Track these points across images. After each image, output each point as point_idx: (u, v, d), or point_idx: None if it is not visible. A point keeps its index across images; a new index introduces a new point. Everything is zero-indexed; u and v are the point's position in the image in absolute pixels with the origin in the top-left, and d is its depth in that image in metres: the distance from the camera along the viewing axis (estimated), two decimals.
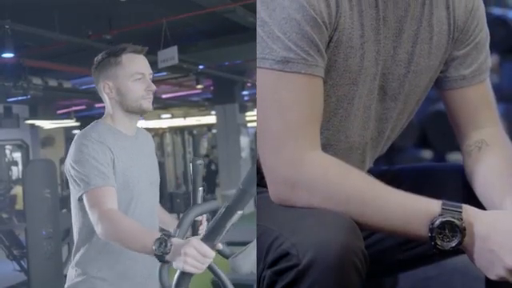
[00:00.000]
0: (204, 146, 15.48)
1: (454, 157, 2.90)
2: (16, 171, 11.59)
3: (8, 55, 5.85)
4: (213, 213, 1.56)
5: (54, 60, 7.38)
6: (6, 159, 11.95)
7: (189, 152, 13.40)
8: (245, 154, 10.37)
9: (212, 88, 10.78)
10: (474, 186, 1.15)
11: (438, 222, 0.97)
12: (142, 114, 1.71)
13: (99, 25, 6.06)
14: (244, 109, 10.84)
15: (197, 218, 1.54)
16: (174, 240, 1.26)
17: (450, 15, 1.16)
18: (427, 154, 3.13)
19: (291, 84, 1.02)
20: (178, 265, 1.22)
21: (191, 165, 1.55)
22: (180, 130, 13.74)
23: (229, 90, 10.22)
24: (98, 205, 1.51)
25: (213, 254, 1.22)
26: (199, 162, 1.54)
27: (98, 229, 1.48)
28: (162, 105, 12.56)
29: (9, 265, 5.45)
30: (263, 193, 1.10)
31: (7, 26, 5.14)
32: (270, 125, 1.04)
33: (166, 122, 14.14)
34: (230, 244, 1.57)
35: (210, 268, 1.25)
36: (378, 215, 1.00)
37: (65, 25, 5.60)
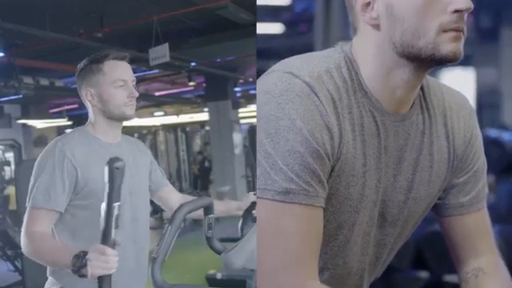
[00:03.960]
0: (197, 143, 15.47)
1: (450, 278, 2.89)
2: (8, 171, 11.51)
3: None
4: (205, 209, 1.57)
5: (46, 59, 7.34)
6: None
7: (182, 150, 13.38)
8: (238, 150, 10.36)
9: (204, 85, 10.75)
10: None
11: None
12: (124, 120, 1.70)
13: (90, 23, 6.03)
14: (237, 105, 10.83)
15: None
16: (89, 254, 1.30)
17: (449, 144, 1.17)
18: (424, 274, 3.13)
19: (291, 215, 1.02)
20: (89, 273, 1.28)
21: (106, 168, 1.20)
22: (173, 128, 13.71)
23: (221, 86, 10.20)
24: (27, 224, 1.56)
25: (112, 251, 1.26)
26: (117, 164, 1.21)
27: (22, 247, 1.54)
28: (154, 102, 12.53)
29: (3, 265, 5.44)
30: None
31: None
32: (269, 254, 1.03)
33: (158, 119, 14.11)
34: (222, 240, 1.58)
35: None
36: None
37: (56, 23, 5.58)
